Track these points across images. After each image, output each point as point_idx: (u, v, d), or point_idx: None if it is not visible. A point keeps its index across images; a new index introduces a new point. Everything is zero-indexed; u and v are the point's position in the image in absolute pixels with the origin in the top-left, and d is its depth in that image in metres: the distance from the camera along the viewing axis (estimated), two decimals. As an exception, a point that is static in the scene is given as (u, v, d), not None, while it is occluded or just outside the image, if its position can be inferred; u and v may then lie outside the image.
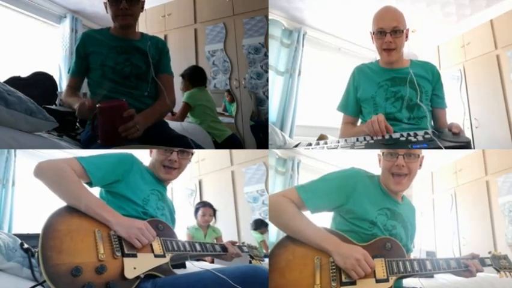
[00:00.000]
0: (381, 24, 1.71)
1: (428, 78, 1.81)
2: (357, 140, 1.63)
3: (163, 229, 1.29)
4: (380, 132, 1.59)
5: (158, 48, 1.94)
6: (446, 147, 1.45)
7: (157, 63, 1.92)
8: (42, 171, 1.18)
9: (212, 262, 2.44)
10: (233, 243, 1.56)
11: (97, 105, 1.54)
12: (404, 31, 1.72)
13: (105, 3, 1.81)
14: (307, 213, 1.32)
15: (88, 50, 1.83)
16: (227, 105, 3.95)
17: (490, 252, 1.41)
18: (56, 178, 1.17)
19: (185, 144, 1.85)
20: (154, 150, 1.45)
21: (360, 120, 1.92)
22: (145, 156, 1.48)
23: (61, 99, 1.90)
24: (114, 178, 1.29)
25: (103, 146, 1.55)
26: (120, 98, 1.77)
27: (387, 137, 1.60)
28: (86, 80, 1.95)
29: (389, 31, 1.70)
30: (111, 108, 1.56)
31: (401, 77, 1.78)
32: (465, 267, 1.30)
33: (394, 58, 1.77)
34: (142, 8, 1.88)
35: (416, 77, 1.76)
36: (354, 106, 1.89)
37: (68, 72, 1.94)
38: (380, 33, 1.72)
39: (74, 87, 1.90)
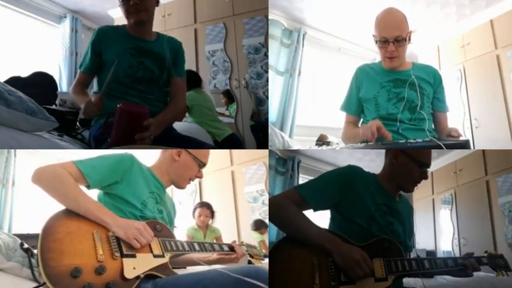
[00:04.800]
0: (383, 33, 1.72)
1: (430, 82, 1.83)
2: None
3: (161, 230, 1.28)
4: (373, 137, 1.59)
5: (174, 50, 1.90)
6: (445, 146, 1.46)
7: (171, 66, 1.87)
8: (40, 177, 1.17)
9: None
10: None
11: (118, 106, 1.51)
12: (407, 36, 1.73)
13: (120, 2, 1.75)
14: (308, 213, 1.32)
15: (103, 47, 1.79)
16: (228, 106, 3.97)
17: (486, 252, 1.43)
18: (53, 183, 1.16)
19: (189, 144, 1.84)
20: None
21: (362, 120, 1.93)
22: (144, 156, 1.48)
23: (69, 92, 1.82)
24: (112, 180, 1.28)
25: (111, 146, 1.54)
26: (133, 100, 1.74)
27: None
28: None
29: (392, 40, 1.71)
30: (133, 113, 1.52)
31: (403, 79, 1.80)
32: (462, 267, 1.31)
33: (396, 64, 1.80)
34: (158, 2, 1.82)
35: (418, 79, 1.78)
36: (357, 106, 1.91)
37: (80, 68, 1.87)
38: (382, 42, 1.74)
39: (83, 83, 1.84)
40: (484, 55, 3.43)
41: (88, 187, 1.25)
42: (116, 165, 1.30)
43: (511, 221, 3.17)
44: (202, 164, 1.46)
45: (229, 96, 3.88)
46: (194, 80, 3.37)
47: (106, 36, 1.81)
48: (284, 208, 1.28)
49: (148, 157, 1.50)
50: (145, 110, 1.57)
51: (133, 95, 1.78)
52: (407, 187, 1.41)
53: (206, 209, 3.22)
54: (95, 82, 1.93)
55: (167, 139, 1.83)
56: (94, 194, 1.27)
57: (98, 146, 1.72)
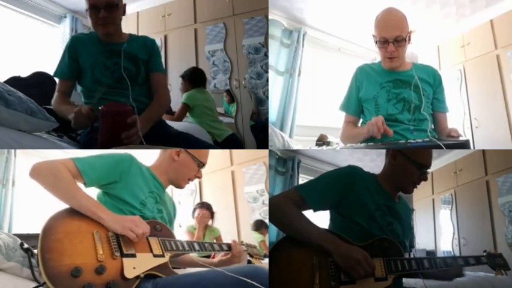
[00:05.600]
0: (383, 33, 1.73)
1: (430, 82, 1.83)
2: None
3: (161, 230, 1.29)
4: (379, 133, 1.59)
5: (147, 47, 1.92)
6: (445, 146, 1.46)
7: (147, 63, 1.89)
8: (38, 172, 1.17)
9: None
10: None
11: (100, 108, 1.52)
12: (407, 36, 1.73)
13: (86, 10, 1.78)
14: (308, 213, 1.32)
15: (78, 53, 1.82)
16: (226, 106, 3.96)
17: (485, 251, 1.43)
18: (50, 178, 1.16)
19: (186, 141, 1.85)
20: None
21: (361, 120, 1.93)
22: (143, 156, 1.48)
23: (52, 105, 1.81)
24: (110, 179, 1.28)
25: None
26: (115, 99, 1.76)
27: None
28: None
29: (392, 40, 1.71)
30: (115, 113, 1.52)
31: (403, 79, 1.80)
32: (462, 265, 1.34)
33: (396, 65, 1.80)
34: (124, 12, 1.85)
35: (418, 80, 1.78)
36: (356, 106, 1.91)
37: (54, 75, 1.88)
38: (382, 42, 1.74)
39: (65, 92, 1.85)
40: (484, 55, 3.43)
41: (85, 185, 1.24)
42: (114, 164, 1.30)
43: (511, 221, 3.17)
44: (201, 164, 1.47)
45: (231, 95, 3.88)
46: (199, 78, 3.37)
47: (80, 42, 1.84)
48: (284, 208, 1.28)
49: (148, 157, 1.50)
50: (126, 107, 1.57)
51: (115, 94, 1.80)
52: (406, 188, 1.41)
53: (206, 209, 3.22)
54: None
55: (165, 137, 1.83)
56: (93, 194, 1.27)
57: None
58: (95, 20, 1.76)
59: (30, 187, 1.18)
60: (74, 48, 1.82)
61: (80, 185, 1.23)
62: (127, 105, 1.61)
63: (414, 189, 1.42)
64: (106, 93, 1.79)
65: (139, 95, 1.85)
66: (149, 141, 1.65)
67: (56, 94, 1.85)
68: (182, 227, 3.20)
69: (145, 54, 1.89)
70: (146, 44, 1.93)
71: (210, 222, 3.25)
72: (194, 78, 3.35)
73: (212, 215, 3.25)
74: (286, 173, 3.58)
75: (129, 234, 1.14)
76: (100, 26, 1.77)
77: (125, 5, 1.86)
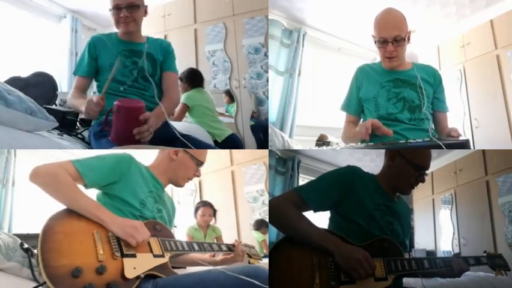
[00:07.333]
0: (382, 33, 1.73)
1: (430, 82, 1.83)
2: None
3: (161, 230, 1.29)
4: (366, 134, 1.59)
5: (163, 49, 2.00)
6: (445, 145, 1.46)
7: (162, 63, 1.97)
8: (38, 176, 1.17)
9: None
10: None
11: (115, 103, 1.56)
12: (406, 36, 1.73)
13: (110, 10, 1.86)
14: (307, 214, 1.32)
15: (98, 52, 1.89)
16: (226, 106, 3.96)
17: (485, 252, 1.43)
18: (51, 182, 1.16)
19: (187, 144, 1.85)
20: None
21: (361, 120, 1.93)
22: (142, 155, 1.48)
23: (67, 100, 1.90)
24: (110, 180, 1.29)
25: (113, 143, 1.57)
26: (130, 97, 1.81)
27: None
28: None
29: (391, 40, 1.71)
30: (129, 108, 1.56)
31: (403, 79, 1.80)
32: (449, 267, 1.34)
33: (395, 64, 1.80)
34: (146, 12, 1.93)
35: (418, 79, 1.77)
36: (357, 105, 1.91)
37: (75, 74, 1.96)
38: (381, 42, 1.74)
39: (82, 88, 1.91)
40: (484, 55, 3.43)
41: (86, 186, 1.25)
42: (114, 165, 1.30)
43: (511, 221, 3.17)
44: (200, 163, 1.47)
45: (231, 95, 3.88)
46: (196, 78, 3.37)
47: (100, 42, 1.91)
48: (284, 210, 1.28)
49: (148, 156, 1.50)
50: (140, 104, 1.61)
51: (131, 92, 1.86)
52: (403, 189, 1.41)
53: (209, 208, 3.22)
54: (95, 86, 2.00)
55: (168, 138, 1.83)
56: (93, 194, 1.27)
57: (98, 143, 1.76)
58: (117, 18, 1.84)
59: (30, 187, 1.18)
60: (94, 47, 1.89)
61: (81, 187, 1.23)
62: (141, 101, 1.66)
63: (414, 190, 1.42)
64: (122, 90, 1.85)
65: (153, 95, 1.90)
66: (154, 141, 1.66)
67: (72, 89, 1.92)
68: (182, 229, 3.19)
69: (161, 55, 1.97)
70: (162, 46, 2.01)
71: (212, 222, 3.25)
72: (192, 79, 3.35)
73: (215, 213, 3.25)
74: (286, 173, 3.58)
75: (129, 239, 1.14)
76: (121, 24, 1.85)
77: (147, 6, 1.93)
